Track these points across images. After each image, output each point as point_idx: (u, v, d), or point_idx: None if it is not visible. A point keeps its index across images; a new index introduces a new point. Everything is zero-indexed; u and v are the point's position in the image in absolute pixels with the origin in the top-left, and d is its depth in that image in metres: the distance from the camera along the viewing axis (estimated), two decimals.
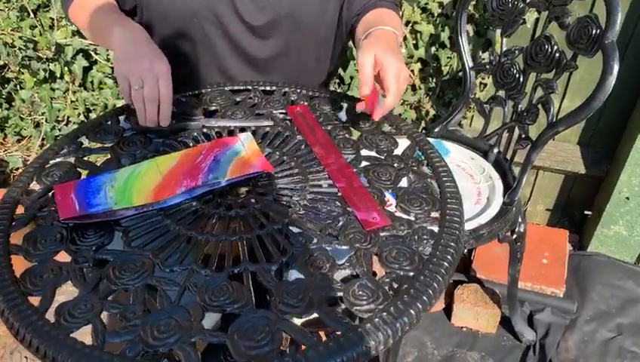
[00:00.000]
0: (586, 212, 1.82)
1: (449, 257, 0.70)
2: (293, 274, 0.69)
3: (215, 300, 0.64)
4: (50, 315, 0.64)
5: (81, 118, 2.07)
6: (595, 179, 1.77)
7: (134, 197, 0.79)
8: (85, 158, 0.90)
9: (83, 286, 0.67)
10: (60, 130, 2.10)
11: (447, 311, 1.64)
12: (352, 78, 1.79)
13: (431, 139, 1.46)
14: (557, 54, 1.20)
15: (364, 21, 1.05)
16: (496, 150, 1.41)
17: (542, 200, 1.91)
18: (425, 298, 0.65)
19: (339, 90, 1.84)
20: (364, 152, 0.91)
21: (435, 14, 1.63)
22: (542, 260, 1.70)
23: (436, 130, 1.50)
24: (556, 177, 1.83)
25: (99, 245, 0.73)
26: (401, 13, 1.20)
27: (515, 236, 1.32)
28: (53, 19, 1.90)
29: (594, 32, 1.08)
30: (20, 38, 1.88)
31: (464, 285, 1.64)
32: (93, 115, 2.08)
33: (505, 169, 1.38)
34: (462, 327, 1.62)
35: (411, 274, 0.68)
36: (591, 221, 1.81)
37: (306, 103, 1.02)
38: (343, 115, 1.00)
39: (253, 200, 0.80)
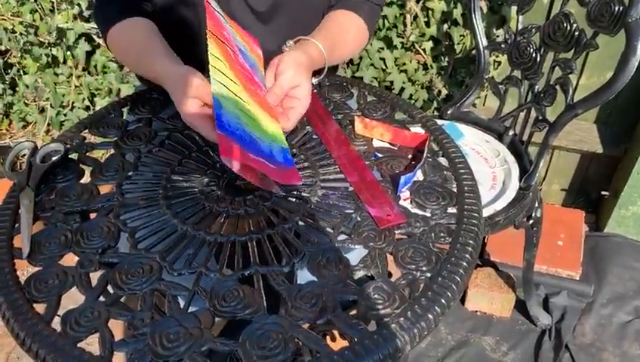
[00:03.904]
0: (602, 192, 1.77)
1: (467, 256, 0.67)
2: (305, 276, 0.66)
3: (225, 306, 0.62)
4: (56, 321, 0.62)
5: (86, 102, 2.04)
6: (613, 158, 1.72)
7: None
8: (88, 154, 0.88)
9: (89, 293, 0.65)
10: (65, 115, 2.08)
11: (461, 295, 1.62)
12: (360, 58, 1.74)
13: (445, 122, 1.42)
14: (576, 33, 1.14)
15: (327, 20, 1.00)
16: (511, 132, 1.37)
17: (557, 180, 1.86)
18: (443, 301, 0.62)
19: (347, 70, 1.80)
20: (376, 143, 0.87)
21: None
22: (557, 242, 1.67)
23: (449, 111, 1.45)
24: (572, 156, 1.78)
25: (104, 248, 0.70)
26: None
27: (531, 221, 1.29)
28: (53, 3, 1.85)
29: (616, 9, 1.03)
30: (21, 23, 1.84)
31: (478, 269, 1.61)
32: (97, 100, 2.05)
33: (520, 152, 1.34)
34: (476, 311, 1.60)
35: (429, 275, 0.65)
36: (608, 201, 1.77)
37: (315, 91, 0.98)
38: (353, 103, 0.97)
39: (262, 197, 0.77)
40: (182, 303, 0.64)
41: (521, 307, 1.57)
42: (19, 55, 1.99)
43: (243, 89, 0.80)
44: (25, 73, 2.02)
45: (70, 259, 0.69)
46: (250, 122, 0.76)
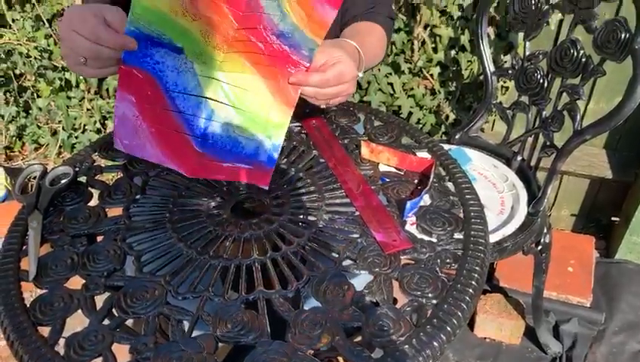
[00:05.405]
0: (613, 218, 1.75)
1: (474, 283, 0.67)
2: (310, 301, 0.66)
3: (229, 331, 0.62)
4: (61, 343, 0.62)
5: (97, 125, 2.07)
6: (623, 184, 1.70)
7: None
8: (97, 177, 0.89)
9: (94, 316, 0.65)
10: (76, 137, 2.10)
11: (470, 321, 1.60)
12: (368, 82, 1.75)
13: (452, 147, 1.42)
14: (583, 59, 1.15)
15: (347, 30, 1.01)
16: (519, 157, 1.36)
17: (567, 205, 1.85)
18: (449, 328, 0.62)
19: (355, 95, 1.81)
20: (382, 168, 0.88)
21: (455, 17, 1.59)
22: (567, 268, 1.65)
23: (457, 136, 1.45)
24: (581, 181, 1.77)
25: (110, 271, 0.71)
26: (393, 27, 1.14)
27: (540, 247, 1.28)
28: None
29: (623, 36, 1.03)
30: (36, 48, 1.88)
31: (487, 295, 1.59)
32: (109, 122, 2.08)
33: (529, 177, 1.33)
34: (485, 338, 1.58)
35: (434, 301, 0.65)
36: (618, 227, 1.75)
37: (321, 116, 0.99)
38: (360, 128, 0.97)
39: (267, 221, 0.77)
40: (186, 327, 0.64)
41: (530, 334, 1.54)
42: (33, 79, 2.02)
43: (259, 72, 0.79)
44: (38, 96, 2.06)
45: (77, 282, 0.69)
46: (244, 120, 0.79)
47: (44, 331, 0.64)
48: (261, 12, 0.77)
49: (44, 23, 1.89)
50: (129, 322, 0.66)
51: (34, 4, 1.86)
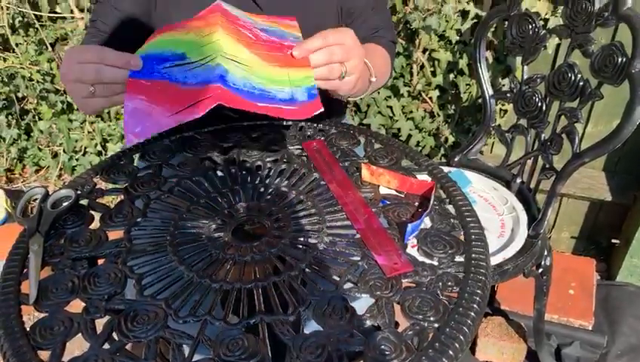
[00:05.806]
0: (613, 240, 1.75)
1: (476, 306, 0.66)
2: (310, 325, 0.66)
3: (230, 355, 0.61)
4: None
5: (98, 148, 2.08)
6: (622, 206, 1.71)
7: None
8: (98, 200, 0.89)
9: (94, 340, 0.65)
10: (77, 160, 2.11)
11: (471, 345, 1.59)
12: (368, 105, 1.77)
13: (452, 169, 1.43)
14: (581, 83, 1.16)
15: None
16: (519, 180, 1.37)
17: (567, 228, 1.85)
18: (451, 352, 0.61)
19: (355, 117, 1.82)
20: (383, 190, 0.88)
21: (453, 42, 1.61)
22: (568, 291, 1.64)
23: (457, 158, 1.46)
24: (581, 204, 1.78)
25: (111, 294, 0.70)
26: (395, 51, 1.19)
27: (540, 270, 1.27)
28: None
29: (620, 60, 1.05)
30: (38, 71, 1.90)
31: (488, 318, 1.58)
32: (110, 145, 2.09)
33: (529, 199, 1.33)
34: None
35: (436, 325, 0.64)
36: (619, 249, 1.75)
37: (322, 138, 1.00)
38: (360, 150, 0.98)
39: (268, 244, 0.77)
40: (187, 351, 0.63)
41: (532, 357, 1.53)
42: (35, 102, 2.04)
43: (262, 59, 0.83)
44: (40, 119, 2.07)
45: (77, 306, 0.69)
46: (265, 81, 0.81)
47: (44, 355, 0.63)
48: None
49: (47, 47, 1.91)
50: (129, 346, 0.66)
51: (37, 29, 1.89)
